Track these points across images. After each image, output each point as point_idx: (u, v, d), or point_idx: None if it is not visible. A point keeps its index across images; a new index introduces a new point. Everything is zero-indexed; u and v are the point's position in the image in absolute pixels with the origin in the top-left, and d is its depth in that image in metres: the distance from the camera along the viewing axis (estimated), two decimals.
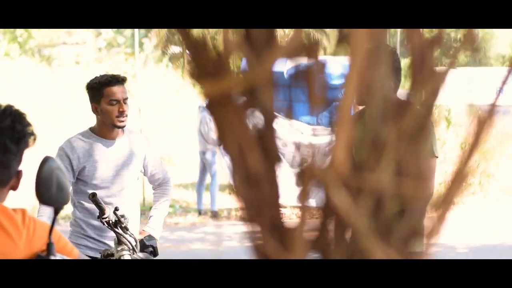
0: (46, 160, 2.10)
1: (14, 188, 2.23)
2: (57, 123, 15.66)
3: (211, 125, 11.64)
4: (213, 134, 11.57)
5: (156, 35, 22.60)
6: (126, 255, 3.80)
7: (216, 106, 0.99)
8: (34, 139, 2.21)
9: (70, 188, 4.01)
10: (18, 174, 2.20)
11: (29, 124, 2.18)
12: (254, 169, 0.96)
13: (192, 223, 11.33)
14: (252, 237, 0.99)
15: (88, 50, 22.54)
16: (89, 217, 4.08)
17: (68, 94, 18.71)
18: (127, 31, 23.15)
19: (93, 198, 3.73)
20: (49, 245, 2.12)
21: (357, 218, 0.93)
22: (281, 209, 0.98)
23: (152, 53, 22.23)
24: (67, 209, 11.46)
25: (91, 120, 4.16)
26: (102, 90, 3.99)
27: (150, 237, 4.11)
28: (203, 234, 10.56)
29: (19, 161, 2.19)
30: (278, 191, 0.99)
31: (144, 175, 4.30)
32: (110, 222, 3.80)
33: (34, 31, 21.61)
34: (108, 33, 23.10)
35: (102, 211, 3.77)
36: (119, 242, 3.84)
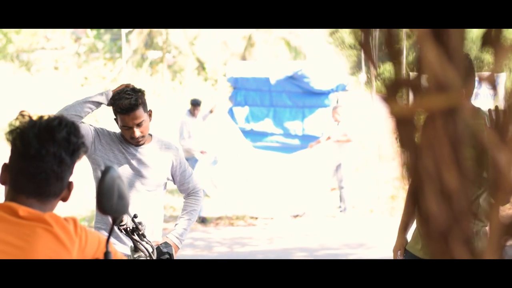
0: (108, 169, 2.10)
1: (65, 199, 2.25)
2: None
3: (188, 132, 11.59)
4: (192, 141, 11.57)
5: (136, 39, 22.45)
6: None
7: (408, 124, 1.05)
8: (85, 151, 2.25)
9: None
10: (70, 186, 2.23)
11: (82, 136, 2.22)
12: (450, 185, 1.03)
13: None
14: (441, 251, 1.06)
15: (67, 55, 22.41)
16: (107, 221, 4.11)
17: (47, 99, 18.58)
18: (106, 37, 23.03)
19: None
20: (107, 254, 2.16)
21: None
22: (473, 223, 1.05)
23: (131, 58, 22.15)
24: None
25: None
26: (117, 115, 4.12)
27: (167, 244, 4.14)
28: (192, 240, 10.58)
29: (71, 172, 2.22)
30: (471, 206, 1.05)
31: (174, 183, 4.37)
32: (128, 229, 3.82)
33: (13, 36, 21.43)
34: (88, 38, 22.96)
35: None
36: (135, 249, 3.87)
